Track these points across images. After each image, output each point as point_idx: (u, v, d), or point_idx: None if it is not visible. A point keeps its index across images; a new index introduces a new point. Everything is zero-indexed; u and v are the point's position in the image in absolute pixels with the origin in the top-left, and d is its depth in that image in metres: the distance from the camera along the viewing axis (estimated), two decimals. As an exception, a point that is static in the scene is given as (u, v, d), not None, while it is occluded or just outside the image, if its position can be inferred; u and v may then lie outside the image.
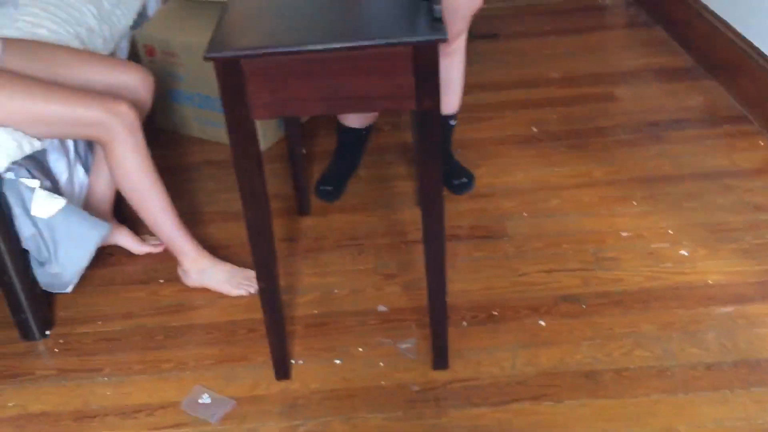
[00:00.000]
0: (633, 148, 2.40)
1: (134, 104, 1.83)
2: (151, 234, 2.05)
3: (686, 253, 1.96)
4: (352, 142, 2.36)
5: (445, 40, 1.33)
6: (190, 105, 2.58)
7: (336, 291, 1.95)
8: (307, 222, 2.21)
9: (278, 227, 1.94)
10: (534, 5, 3.53)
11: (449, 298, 1.65)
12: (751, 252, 1.94)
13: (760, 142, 2.37)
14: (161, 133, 2.64)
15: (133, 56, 2.58)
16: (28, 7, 2.09)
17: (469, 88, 2.69)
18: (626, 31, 3.31)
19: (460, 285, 1.91)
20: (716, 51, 2.72)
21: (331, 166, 2.38)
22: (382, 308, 1.88)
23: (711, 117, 2.54)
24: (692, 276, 1.89)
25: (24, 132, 1.73)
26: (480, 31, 3.21)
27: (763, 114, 2.44)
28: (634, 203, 2.16)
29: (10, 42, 1.85)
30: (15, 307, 1.81)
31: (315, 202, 2.28)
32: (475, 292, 1.90)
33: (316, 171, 2.39)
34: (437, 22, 1.36)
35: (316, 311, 1.89)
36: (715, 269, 1.90)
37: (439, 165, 1.49)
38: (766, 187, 2.18)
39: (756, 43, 2.47)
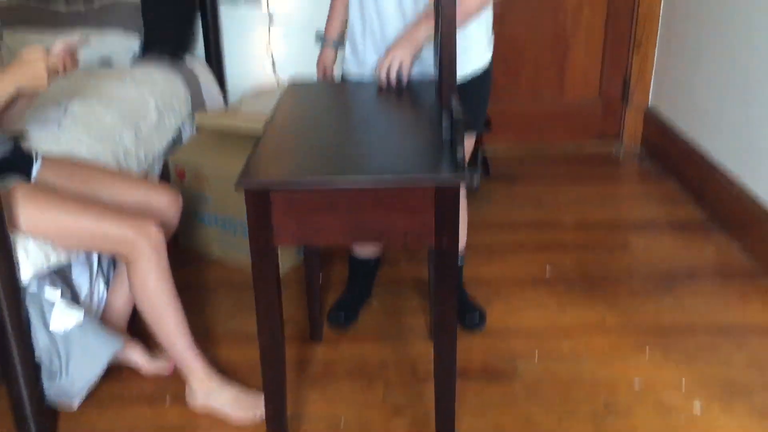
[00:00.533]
0: (646, 297, 2.42)
1: (162, 224, 1.89)
2: (163, 351, 2.05)
3: (699, 408, 1.93)
4: (363, 272, 2.41)
5: (466, 183, 1.40)
6: (214, 227, 2.65)
7: (343, 422, 1.92)
8: (318, 349, 2.21)
9: (289, 352, 1.94)
10: (550, 153, 3.67)
11: (457, 438, 1.63)
12: (765, 412, 1.91)
13: (773, 299, 2.39)
14: (184, 252, 2.70)
15: (165, 177, 2.69)
16: (71, 127, 2.21)
17: (485, 227, 2.76)
18: (640, 182, 3.41)
19: (469, 423, 1.87)
20: (728, 206, 2.79)
21: (344, 294, 2.41)
22: (388, 444, 1.85)
23: (724, 271, 2.57)
24: (705, 428, 1.85)
25: (53, 244, 1.79)
26: (498, 173, 3.33)
27: (775, 271, 2.47)
28: (647, 353, 2.15)
29: (49, 159, 1.95)
30: (20, 420, 1.79)
31: (328, 329, 2.29)
32: (483, 433, 1.87)
33: (331, 298, 2.42)
34: (459, 165, 1.43)
35: (321, 440, 1.86)
36: (729, 427, 1.86)
37: (455, 302, 1.51)
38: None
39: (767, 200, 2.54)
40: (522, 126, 3.68)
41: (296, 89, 2.00)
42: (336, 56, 2.20)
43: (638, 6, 3.44)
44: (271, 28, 3.37)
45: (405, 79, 1.90)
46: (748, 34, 2.67)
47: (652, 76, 3.54)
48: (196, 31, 3.31)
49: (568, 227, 2.91)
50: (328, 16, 2.19)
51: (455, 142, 1.50)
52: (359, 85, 2.02)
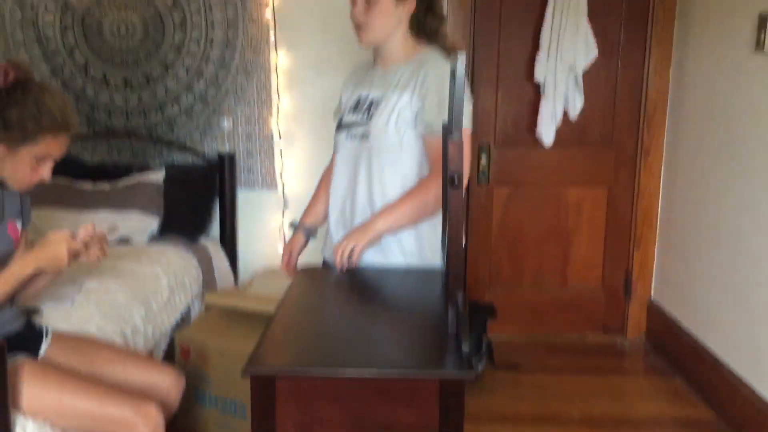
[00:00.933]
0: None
1: (162, 405, 1.88)
2: None
3: None
4: None
5: (472, 379, 1.41)
6: (214, 408, 2.61)
7: None
8: None
9: None
10: (554, 342, 3.66)
11: None
12: None
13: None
14: (179, 433, 2.64)
15: (169, 354, 2.69)
16: (84, 305, 2.26)
17: (489, 419, 2.71)
18: (645, 377, 3.37)
19: None
20: (736, 406, 2.74)
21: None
22: None
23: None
24: None
25: (52, 424, 1.77)
26: (502, 362, 3.31)
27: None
28: None
29: (58, 336, 1.98)
30: None
31: None
32: None
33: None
34: (465, 360, 1.45)
35: None
36: None
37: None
38: None
39: (775, 404, 2.51)
40: (526, 315, 3.71)
41: (307, 274, 2.06)
42: (306, 244, 2.27)
43: (637, 204, 3.59)
44: (285, 211, 3.51)
45: (354, 263, 1.98)
46: (742, 236, 2.77)
47: (654, 271, 3.62)
48: (213, 212, 3.45)
49: (574, 422, 2.85)
50: (308, 205, 2.30)
51: (460, 336, 1.52)
52: (368, 272, 2.08)
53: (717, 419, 2.85)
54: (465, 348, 1.48)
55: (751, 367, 2.71)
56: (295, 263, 2.26)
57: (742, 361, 2.77)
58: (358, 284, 2.00)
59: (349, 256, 1.97)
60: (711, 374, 2.95)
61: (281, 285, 2.02)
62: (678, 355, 3.30)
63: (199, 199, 3.34)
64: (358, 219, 2.09)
